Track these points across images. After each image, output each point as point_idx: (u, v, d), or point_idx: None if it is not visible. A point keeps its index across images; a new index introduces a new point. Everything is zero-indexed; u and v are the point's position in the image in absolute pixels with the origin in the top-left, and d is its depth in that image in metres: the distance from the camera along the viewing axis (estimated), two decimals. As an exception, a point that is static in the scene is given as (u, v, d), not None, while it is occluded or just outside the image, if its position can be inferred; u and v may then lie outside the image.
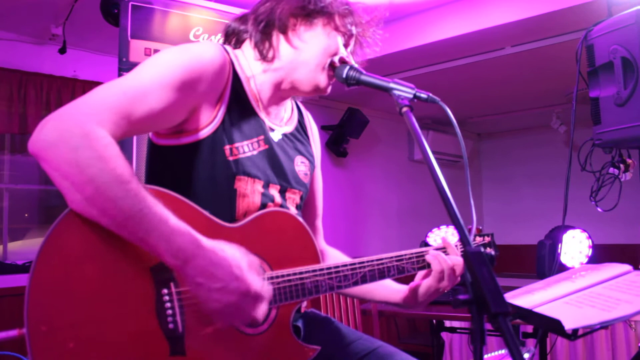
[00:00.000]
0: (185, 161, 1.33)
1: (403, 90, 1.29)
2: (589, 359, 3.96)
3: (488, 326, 0.91)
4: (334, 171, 6.27)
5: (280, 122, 1.53)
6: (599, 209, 2.44)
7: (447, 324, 4.13)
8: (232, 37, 1.51)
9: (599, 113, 2.24)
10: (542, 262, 3.60)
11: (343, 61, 1.45)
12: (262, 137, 1.42)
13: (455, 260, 1.47)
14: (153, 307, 1.13)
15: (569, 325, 1.21)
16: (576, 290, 1.43)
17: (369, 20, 1.52)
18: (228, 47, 1.43)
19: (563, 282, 1.52)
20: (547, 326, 1.27)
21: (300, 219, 1.40)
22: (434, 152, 1.12)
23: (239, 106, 1.39)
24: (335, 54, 1.44)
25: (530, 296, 1.45)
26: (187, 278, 1.09)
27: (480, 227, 1.69)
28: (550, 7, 3.77)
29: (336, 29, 1.44)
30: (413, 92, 1.29)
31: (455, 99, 6.25)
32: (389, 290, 1.62)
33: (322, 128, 6.07)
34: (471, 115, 7.34)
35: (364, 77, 1.39)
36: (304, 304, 1.58)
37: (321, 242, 1.75)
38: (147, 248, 1.07)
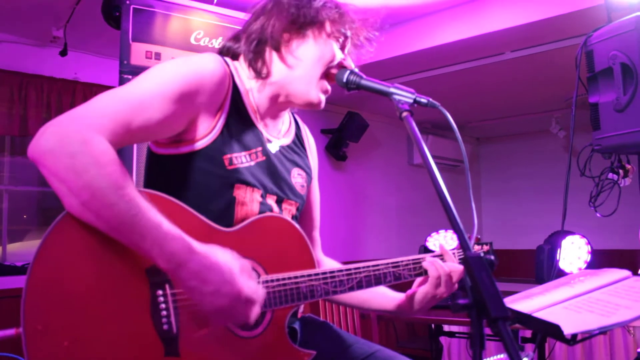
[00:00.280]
0: (183, 170, 1.34)
1: (403, 95, 1.29)
2: (588, 364, 3.97)
3: (487, 330, 0.91)
4: (334, 175, 6.27)
5: (278, 134, 1.54)
6: (598, 215, 2.44)
7: (446, 328, 4.13)
8: (227, 55, 1.51)
9: (599, 118, 2.25)
10: (541, 267, 3.61)
11: (342, 65, 1.46)
12: (260, 148, 1.44)
13: (452, 266, 1.48)
14: (148, 308, 1.14)
15: (567, 330, 1.21)
16: (575, 296, 1.44)
17: (363, 20, 1.51)
18: (228, 60, 1.44)
19: (562, 287, 1.52)
20: (546, 331, 1.27)
21: (296, 225, 1.40)
22: (433, 157, 1.12)
23: (238, 118, 1.40)
24: (331, 61, 1.45)
25: (529, 301, 1.45)
26: (180, 282, 1.11)
27: (479, 237, 1.70)
28: (550, 13, 3.78)
29: (329, 35, 1.45)
30: (413, 96, 1.29)
31: (454, 103, 6.26)
32: (386, 298, 1.62)
33: (322, 132, 6.07)
34: (470, 119, 7.34)
35: (364, 82, 1.40)
36: (301, 309, 1.57)
37: (319, 254, 1.74)
38: (141, 252, 1.08)
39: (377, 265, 1.45)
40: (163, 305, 1.15)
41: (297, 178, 1.54)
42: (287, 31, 1.43)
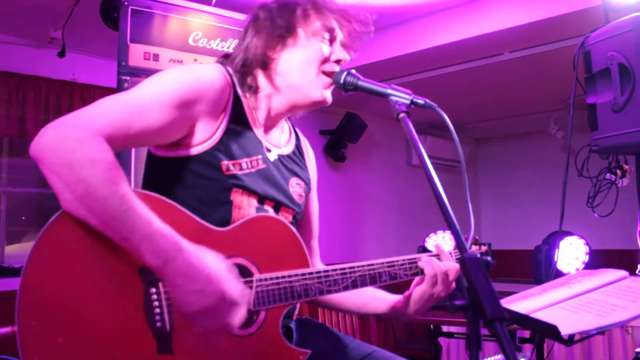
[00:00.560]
0: (182, 173, 1.36)
1: (400, 96, 1.29)
2: (586, 365, 3.97)
3: (485, 331, 0.92)
4: (332, 176, 6.27)
5: (277, 143, 1.55)
6: (595, 215, 2.44)
7: (445, 329, 4.13)
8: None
9: (596, 119, 2.25)
10: (539, 268, 3.60)
11: (337, 60, 1.47)
12: (259, 156, 1.45)
13: (449, 265, 1.48)
14: (141, 306, 1.15)
15: (565, 330, 1.21)
16: (572, 296, 1.44)
17: (345, 10, 1.51)
18: (230, 69, 1.45)
19: (559, 288, 1.52)
20: (543, 331, 1.28)
21: (291, 226, 1.41)
22: (431, 157, 1.12)
23: (239, 126, 1.42)
24: (322, 59, 1.45)
25: (526, 301, 1.45)
26: (166, 279, 1.12)
27: (477, 237, 1.70)
28: (548, 14, 3.78)
29: (312, 35, 1.45)
30: (410, 98, 1.29)
31: (453, 104, 6.26)
32: (383, 301, 1.62)
33: (320, 133, 6.07)
34: (469, 120, 7.35)
35: (361, 83, 1.40)
36: (296, 310, 1.57)
37: (317, 262, 1.74)
38: (130, 248, 1.10)
39: (372, 264, 1.45)
40: (156, 303, 1.17)
41: (295, 187, 1.55)
42: (269, 48, 1.45)
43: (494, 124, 7.45)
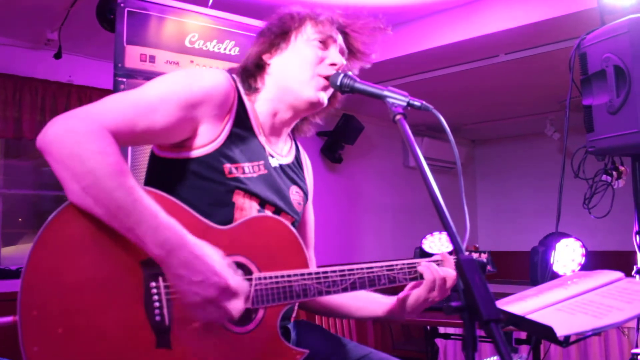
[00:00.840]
0: (184, 174, 1.37)
1: (396, 97, 1.30)
2: (583, 366, 3.98)
3: (481, 333, 0.92)
4: (329, 177, 6.27)
5: (280, 152, 1.58)
6: (591, 216, 2.45)
7: (441, 330, 4.13)
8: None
9: (592, 121, 2.26)
10: (535, 269, 3.61)
11: (332, 64, 1.49)
12: (262, 162, 1.48)
13: (448, 272, 1.50)
14: (141, 299, 1.17)
15: (560, 332, 1.21)
16: (568, 297, 1.44)
17: (331, 16, 1.56)
18: (235, 77, 1.50)
19: (555, 289, 1.53)
20: (539, 333, 1.28)
21: (291, 227, 1.41)
22: (429, 159, 1.13)
23: (243, 130, 1.45)
24: (316, 62, 1.49)
25: (522, 303, 1.45)
26: (169, 269, 1.14)
27: (477, 245, 1.71)
28: (543, 15, 3.79)
29: (306, 40, 1.51)
30: (406, 99, 1.30)
31: (449, 105, 6.27)
32: (378, 304, 1.64)
33: (317, 134, 6.07)
34: (465, 122, 7.36)
35: (357, 85, 1.42)
36: (294, 313, 1.58)
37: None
38: (135, 239, 1.12)
39: (372, 267, 1.46)
40: (156, 297, 1.18)
41: (294, 195, 1.58)
42: (264, 52, 1.53)
43: (490, 125, 7.47)
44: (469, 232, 1.46)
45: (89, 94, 4.51)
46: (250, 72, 1.52)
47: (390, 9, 4.18)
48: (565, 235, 3.68)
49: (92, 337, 1.10)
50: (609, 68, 2.14)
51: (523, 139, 8.08)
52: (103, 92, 4.38)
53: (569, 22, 3.75)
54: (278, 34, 1.53)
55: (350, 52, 1.60)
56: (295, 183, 1.60)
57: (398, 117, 1.25)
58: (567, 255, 3.64)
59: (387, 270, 1.47)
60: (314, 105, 1.51)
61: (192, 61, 2.88)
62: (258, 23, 3.05)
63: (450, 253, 1.59)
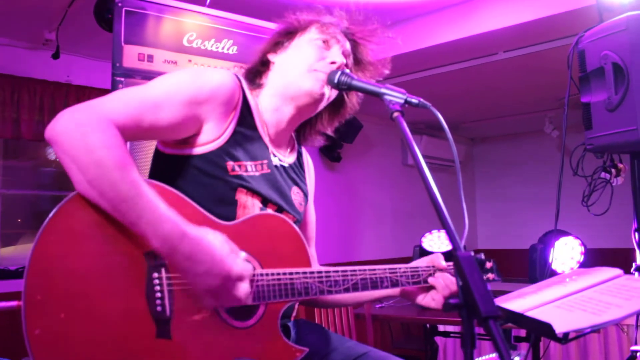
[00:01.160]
0: (188, 171, 1.39)
1: (394, 95, 1.30)
2: (582, 363, 3.98)
3: (480, 330, 0.92)
4: (328, 176, 6.27)
5: (283, 152, 1.61)
6: (590, 213, 2.45)
7: (441, 328, 4.14)
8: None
9: (590, 118, 2.26)
10: (534, 267, 3.62)
11: (333, 62, 1.51)
12: (265, 161, 1.50)
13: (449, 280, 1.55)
14: (143, 289, 1.18)
15: (559, 328, 1.21)
16: (567, 294, 1.44)
17: (340, 20, 1.61)
18: (240, 77, 1.53)
19: (554, 286, 1.53)
20: (538, 330, 1.28)
21: (294, 225, 1.43)
22: (428, 157, 1.13)
23: (247, 129, 1.47)
24: (317, 58, 1.51)
25: (521, 300, 1.45)
26: (173, 262, 1.17)
27: (482, 254, 1.72)
28: (542, 13, 3.79)
29: (308, 40, 1.55)
30: (404, 97, 1.30)
31: (448, 104, 6.27)
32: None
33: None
34: (464, 120, 7.36)
35: (355, 82, 1.44)
36: (294, 312, 1.59)
37: (315, 266, 1.78)
38: (138, 232, 1.15)
39: (374, 269, 1.47)
40: (158, 288, 1.19)
41: (296, 195, 1.60)
42: (269, 51, 1.58)
43: (489, 123, 7.47)
44: (468, 230, 1.46)
45: (87, 94, 4.50)
46: (255, 69, 1.58)
47: (389, 7, 4.17)
48: (564, 233, 3.69)
49: (93, 324, 1.11)
50: (608, 65, 2.14)
51: (522, 137, 8.09)
52: (101, 92, 4.38)
53: (567, 20, 3.75)
54: (283, 34, 1.58)
55: (357, 60, 1.64)
56: (296, 184, 1.62)
57: (395, 114, 1.25)
58: (566, 253, 3.64)
59: (390, 272, 1.49)
60: (314, 96, 1.51)
61: (190, 60, 2.87)
62: (256, 22, 3.05)
63: (449, 251, 1.60)
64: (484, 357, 3.10)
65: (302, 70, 1.50)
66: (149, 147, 1.55)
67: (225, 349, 1.27)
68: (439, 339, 4.44)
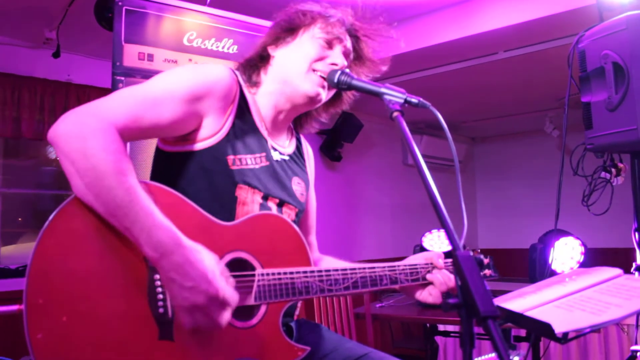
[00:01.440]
0: (188, 167, 1.40)
1: (394, 95, 1.31)
2: (582, 363, 3.98)
3: (480, 330, 0.92)
4: (329, 175, 6.27)
5: (282, 144, 1.61)
6: (591, 213, 2.44)
7: (441, 327, 4.14)
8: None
9: (591, 118, 2.26)
10: (534, 266, 3.61)
11: (332, 64, 1.51)
12: (264, 154, 1.50)
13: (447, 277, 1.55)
14: (145, 291, 1.19)
15: (559, 328, 1.21)
16: (567, 294, 1.44)
17: (345, 15, 1.59)
18: (237, 72, 1.53)
19: (554, 286, 1.53)
20: (537, 330, 1.28)
21: (294, 225, 1.43)
22: (428, 157, 1.13)
23: (245, 123, 1.48)
24: (315, 58, 1.51)
25: (521, 300, 1.45)
26: (162, 272, 1.15)
27: (479, 250, 1.72)
28: (542, 12, 3.79)
29: (311, 37, 1.54)
30: (404, 97, 1.30)
31: (448, 103, 6.27)
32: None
33: (317, 132, 6.04)
34: (465, 119, 7.36)
35: (354, 82, 1.44)
36: (297, 310, 1.59)
37: (315, 254, 1.80)
38: (131, 238, 1.15)
39: (374, 267, 1.48)
40: (160, 289, 1.19)
41: (297, 186, 1.60)
42: (270, 44, 1.57)
43: (489, 123, 7.47)
44: (468, 230, 1.46)
45: (88, 93, 4.51)
46: (253, 63, 1.57)
47: (389, 7, 4.17)
48: (564, 233, 3.68)
49: (95, 326, 1.11)
50: (608, 65, 2.14)
51: (522, 137, 8.09)
52: (101, 91, 4.38)
53: (567, 19, 3.74)
54: (286, 29, 1.56)
55: (359, 56, 1.63)
56: (297, 174, 1.63)
57: (395, 114, 1.25)
58: (566, 253, 3.64)
59: (389, 270, 1.49)
60: (312, 100, 1.52)
61: (190, 59, 2.87)
62: (256, 21, 3.05)
63: (448, 251, 1.60)
64: (483, 357, 3.10)
65: (301, 69, 1.50)
66: (151, 149, 1.55)
67: (228, 349, 1.27)
68: (439, 339, 4.44)
